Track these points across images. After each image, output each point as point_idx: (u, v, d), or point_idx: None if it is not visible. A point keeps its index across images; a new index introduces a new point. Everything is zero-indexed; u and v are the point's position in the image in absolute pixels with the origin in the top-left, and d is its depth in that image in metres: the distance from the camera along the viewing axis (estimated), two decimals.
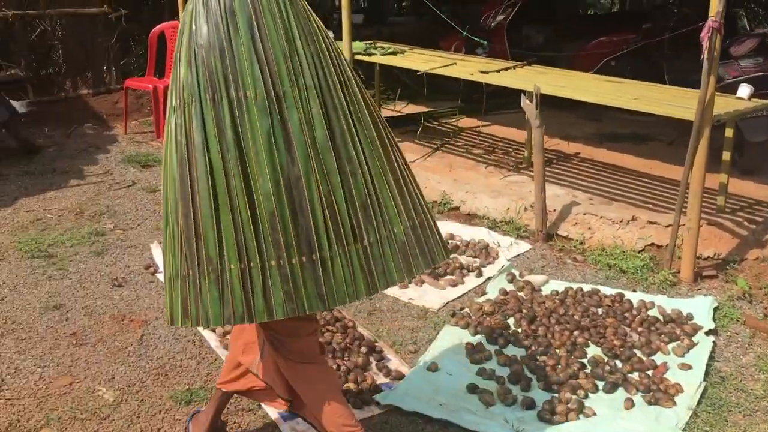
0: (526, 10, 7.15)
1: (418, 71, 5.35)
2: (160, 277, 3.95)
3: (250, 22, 1.96)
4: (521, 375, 3.04)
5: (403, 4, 10.40)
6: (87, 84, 8.41)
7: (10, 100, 6.55)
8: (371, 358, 3.18)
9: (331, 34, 2.17)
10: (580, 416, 2.79)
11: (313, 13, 2.10)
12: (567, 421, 2.76)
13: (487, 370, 3.08)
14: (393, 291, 3.86)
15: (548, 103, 6.96)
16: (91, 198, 5.28)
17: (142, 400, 2.93)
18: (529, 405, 2.85)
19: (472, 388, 2.96)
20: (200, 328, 3.40)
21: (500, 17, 6.99)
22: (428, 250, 2.10)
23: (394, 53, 5.87)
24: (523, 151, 5.73)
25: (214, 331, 3.39)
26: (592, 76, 5.30)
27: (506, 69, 5.21)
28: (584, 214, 4.53)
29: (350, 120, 2.01)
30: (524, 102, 4.36)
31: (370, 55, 5.83)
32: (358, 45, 5.95)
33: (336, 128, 1.99)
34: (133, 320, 3.55)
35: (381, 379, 3.06)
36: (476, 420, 2.75)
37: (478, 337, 3.38)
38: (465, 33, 6.25)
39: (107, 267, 4.13)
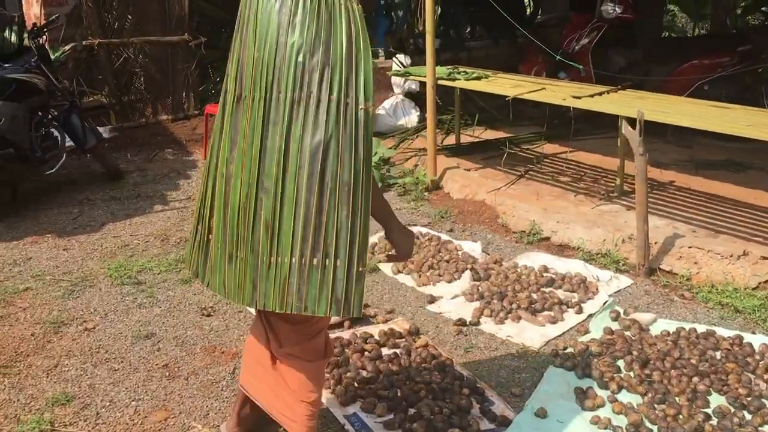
0: (609, 33, 6.92)
1: (506, 96, 5.18)
2: (250, 309, 3.86)
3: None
4: (641, 426, 2.82)
5: (477, 28, 10.26)
6: (167, 110, 8.56)
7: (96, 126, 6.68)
8: (473, 400, 3.01)
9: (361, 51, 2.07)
10: None
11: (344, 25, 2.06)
12: None
13: (601, 419, 2.86)
14: (489, 327, 3.68)
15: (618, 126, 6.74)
16: (176, 224, 5.28)
17: None
18: None
19: None
20: None
21: (585, 41, 6.78)
22: (306, 295, 2.01)
23: (478, 78, 5.73)
24: (614, 179, 5.48)
25: None
26: (692, 100, 5.03)
27: (600, 94, 5.00)
28: (689, 247, 4.26)
29: (284, 139, 2.03)
30: (626, 129, 4.15)
31: (453, 79, 5.70)
32: (441, 70, 5.84)
33: (269, 142, 2.04)
34: (224, 352, 3.46)
35: (486, 425, 2.88)
36: None
37: (587, 381, 3.17)
38: (558, 57, 6.05)
39: (195, 295, 4.08)
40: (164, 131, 8.15)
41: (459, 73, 5.85)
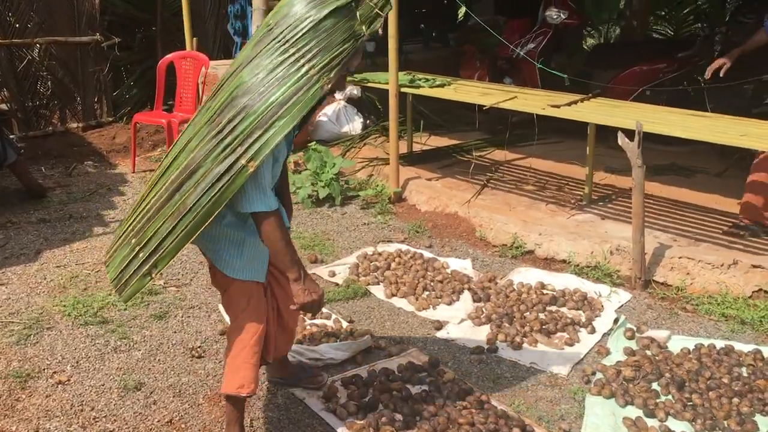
0: (556, 38, 6.93)
1: (483, 106, 5.01)
2: None
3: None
4: None
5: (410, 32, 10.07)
6: (77, 117, 7.85)
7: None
8: None
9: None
10: None
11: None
12: None
13: None
14: (508, 353, 3.50)
15: (566, 132, 6.81)
16: None
17: None
18: None
19: None
20: (323, 414, 2.97)
21: (531, 45, 6.75)
22: (115, 266, 2.52)
23: (441, 85, 5.54)
24: (577, 187, 5.46)
25: (334, 412, 2.96)
26: (671, 109, 5.04)
27: (575, 102, 4.93)
28: (679, 257, 4.26)
29: (186, 156, 2.37)
30: (623, 140, 4.08)
31: (417, 87, 5.48)
32: (403, 78, 5.61)
33: (180, 156, 2.40)
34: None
35: None
36: None
37: (631, 410, 3.04)
38: (539, 65, 5.96)
39: (175, 333, 3.65)
40: (79, 141, 7.45)
41: (420, 80, 5.64)
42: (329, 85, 2.28)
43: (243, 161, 2.23)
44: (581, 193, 5.39)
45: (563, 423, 2.97)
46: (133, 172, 6.53)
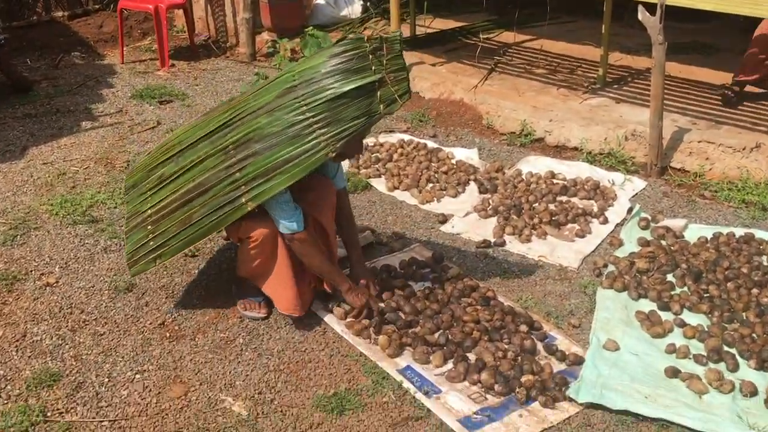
0: None
1: None
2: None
3: None
4: (722, 351, 2.58)
5: None
6: (62, 5, 7.41)
7: None
8: (533, 338, 2.68)
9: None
10: None
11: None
12: None
13: (678, 348, 2.61)
14: (516, 247, 3.35)
15: (580, 11, 6.39)
16: (114, 144, 4.55)
17: (283, 412, 2.39)
18: (752, 391, 2.40)
19: (673, 372, 2.49)
20: (321, 314, 2.85)
21: None
22: (136, 259, 2.80)
23: None
24: (591, 69, 5.14)
25: (332, 311, 2.84)
26: None
27: None
28: (699, 142, 4.01)
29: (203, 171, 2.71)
30: (643, 15, 3.75)
31: None
32: None
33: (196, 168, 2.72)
34: (227, 302, 2.95)
35: (557, 366, 2.57)
36: (700, 417, 2.29)
37: (644, 303, 2.90)
38: None
39: None
40: (65, 31, 7.06)
41: None
42: (333, 154, 2.49)
43: (243, 200, 2.54)
44: (595, 76, 5.06)
45: (573, 318, 2.83)
46: (122, 63, 6.21)
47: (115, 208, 3.71)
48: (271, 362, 2.61)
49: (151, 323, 2.83)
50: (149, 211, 2.79)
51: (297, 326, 2.79)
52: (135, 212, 2.88)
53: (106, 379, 2.54)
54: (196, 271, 3.17)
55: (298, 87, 2.51)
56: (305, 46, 5.80)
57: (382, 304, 2.82)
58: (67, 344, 2.71)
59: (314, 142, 2.47)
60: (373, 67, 2.47)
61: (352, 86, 2.44)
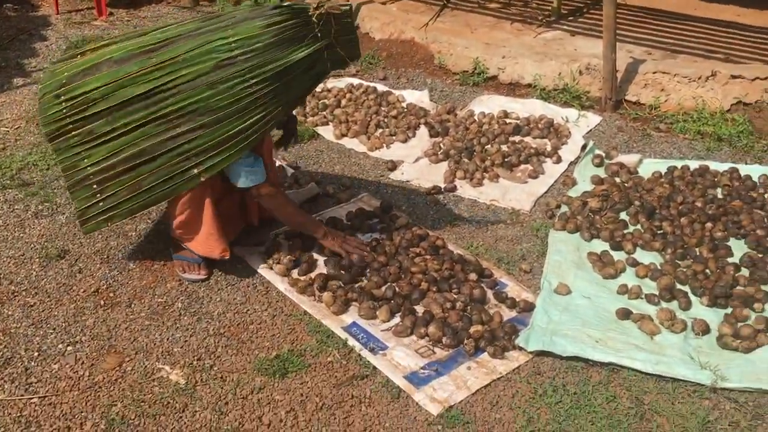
0: None
1: None
2: None
3: None
4: (674, 290, 2.52)
5: None
6: None
7: None
8: (483, 286, 2.59)
9: None
10: None
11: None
12: (758, 346, 2.27)
13: (630, 288, 2.55)
14: (467, 192, 3.24)
15: None
16: None
17: (223, 378, 2.29)
18: (704, 330, 2.35)
19: (624, 314, 2.43)
20: (263, 272, 2.73)
21: None
22: (87, 219, 2.66)
23: None
24: (545, 1, 4.97)
25: (272, 268, 2.72)
26: None
27: None
28: (653, 73, 3.90)
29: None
30: None
31: None
32: None
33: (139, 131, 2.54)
34: (166, 264, 2.82)
35: (508, 314, 2.50)
36: (651, 359, 2.23)
37: (597, 243, 2.83)
38: None
39: None
40: None
41: None
42: (285, 118, 2.60)
43: (196, 171, 2.47)
44: (550, 8, 4.89)
45: (524, 263, 2.75)
46: (57, 14, 5.88)
47: (48, 170, 3.52)
48: (211, 326, 2.50)
49: (84, 291, 2.69)
50: (90, 169, 2.61)
51: (238, 286, 2.67)
52: (72, 167, 2.66)
53: (36, 353, 2.40)
54: (133, 233, 3.02)
55: (239, 59, 2.39)
56: None
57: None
58: None
59: (264, 113, 2.42)
60: (319, 34, 2.39)
61: (299, 56, 2.38)
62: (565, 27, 4.68)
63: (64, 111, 2.63)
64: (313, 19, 2.39)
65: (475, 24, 4.82)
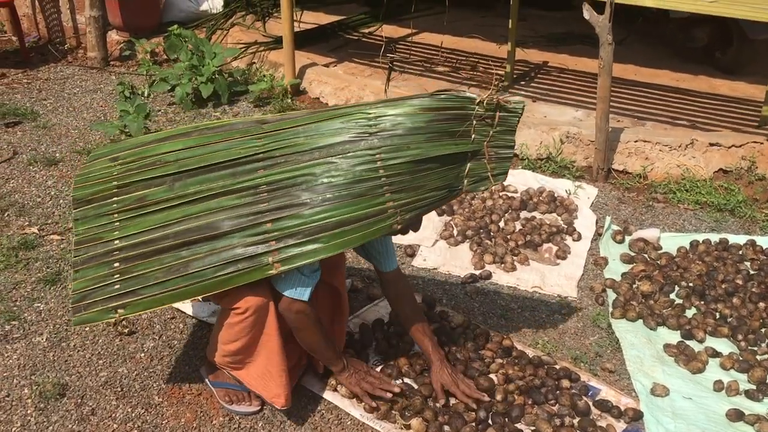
0: None
1: None
2: (187, 309, 2.71)
3: None
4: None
5: None
6: None
7: None
8: (583, 396, 2.37)
9: None
10: None
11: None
12: None
13: (727, 385, 2.43)
14: (503, 278, 3.01)
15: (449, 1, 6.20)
16: None
17: None
18: None
19: (737, 415, 2.29)
20: (328, 396, 2.32)
21: None
22: (88, 303, 2.05)
23: None
24: (491, 65, 4.95)
25: (336, 390, 2.33)
26: None
27: None
28: (635, 141, 3.92)
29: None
30: (590, 14, 3.54)
31: None
32: None
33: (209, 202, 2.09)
34: (201, 393, 2.34)
35: (619, 425, 2.28)
36: None
37: (665, 332, 2.70)
38: None
39: None
40: None
41: None
42: (399, 227, 2.04)
43: (270, 259, 1.97)
44: (501, 73, 4.85)
45: (603, 361, 2.56)
46: None
47: None
48: None
49: None
50: (118, 243, 2.10)
51: (303, 416, 2.26)
52: (94, 238, 2.14)
53: None
54: (142, 354, 2.50)
55: (374, 136, 2.03)
56: (170, 48, 5.04)
57: (398, 381, 2.35)
58: None
59: (381, 207, 1.99)
60: (473, 135, 2.06)
61: (443, 152, 2.04)
62: (521, 92, 4.65)
63: (115, 173, 2.23)
64: (478, 109, 2.05)
65: (430, 87, 4.66)
